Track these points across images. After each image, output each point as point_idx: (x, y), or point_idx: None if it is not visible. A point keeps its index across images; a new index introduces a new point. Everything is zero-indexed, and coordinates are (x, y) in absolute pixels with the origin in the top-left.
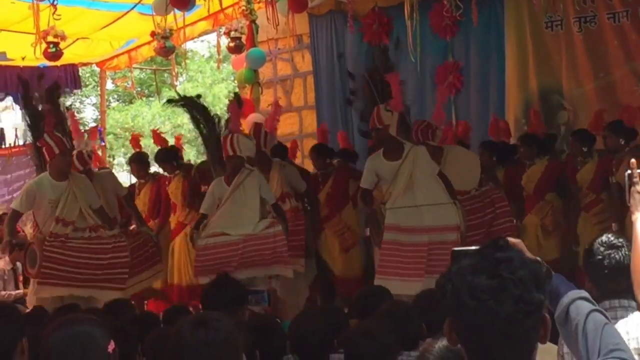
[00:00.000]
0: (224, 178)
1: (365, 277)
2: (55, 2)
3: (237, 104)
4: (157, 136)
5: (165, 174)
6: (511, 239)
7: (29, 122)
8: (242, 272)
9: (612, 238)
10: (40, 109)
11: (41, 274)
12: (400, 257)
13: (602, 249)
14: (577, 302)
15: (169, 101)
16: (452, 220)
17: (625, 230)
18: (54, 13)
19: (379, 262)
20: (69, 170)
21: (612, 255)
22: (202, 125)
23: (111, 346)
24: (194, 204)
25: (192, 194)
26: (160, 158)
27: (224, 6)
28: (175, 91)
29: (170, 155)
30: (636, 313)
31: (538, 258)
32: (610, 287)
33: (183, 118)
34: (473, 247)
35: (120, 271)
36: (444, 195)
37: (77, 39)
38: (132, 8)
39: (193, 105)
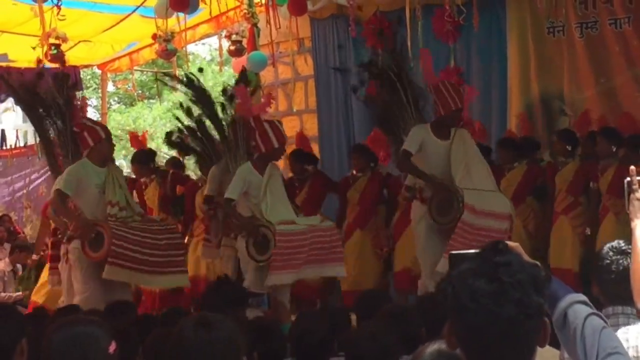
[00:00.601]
0: (253, 165)
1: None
2: (59, 3)
3: (244, 85)
4: (134, 138)
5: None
6: (509, 243)
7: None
8: (303, 271)
9: (622, 244)
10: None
11: (113, 252)
12: (469, 241)
13: (611, 253)
14: (575, 306)
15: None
16: (507, 208)
17: (596, 238)
18: (58, 13)
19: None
20: (112, 156)
21: (620, 261)
22: (204, 109)
23: (112, 347)
24: (169, 209)
25: (168, 199)
26: (136, 160)
27: (226, 9)
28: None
29: (147, 157)
30: (638, 322)
31: (537, 262)
32: (616, 292)
33: (184, 120)
34: (472, 251)
35: (176, 252)
36: (492, 182)
37: (79, 41)
38: (134, 11)
39: (194, 89)
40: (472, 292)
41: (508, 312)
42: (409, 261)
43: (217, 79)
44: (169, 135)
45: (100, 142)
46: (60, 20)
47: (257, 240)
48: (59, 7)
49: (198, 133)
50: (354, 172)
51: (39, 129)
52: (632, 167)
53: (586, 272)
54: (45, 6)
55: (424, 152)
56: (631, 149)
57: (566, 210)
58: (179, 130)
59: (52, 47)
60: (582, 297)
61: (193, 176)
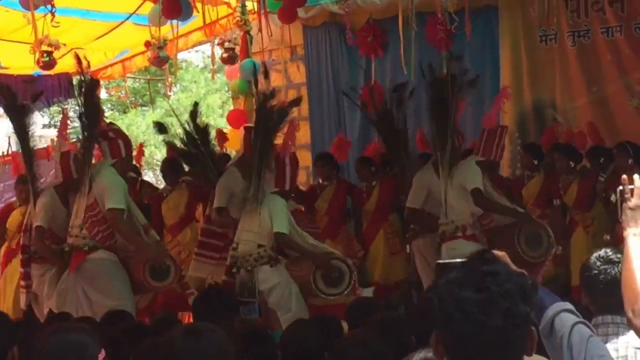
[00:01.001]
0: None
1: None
2: (53, 10)
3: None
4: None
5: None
6: (496, 252)
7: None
8: None
9: (609, 253)
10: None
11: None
12: None
13: (598, 263)
14: (562, 315)
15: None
16: None
17: (570, 252)
18: (52, 20)
19: None
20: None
21: (609, 270)
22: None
23: (102, 355)
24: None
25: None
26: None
27: (218, 17)
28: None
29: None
30: (627, 331)
31: (523, 271)
32: (605, 302)
33: (177, 128)
34: (458, 260)
35: None
36: None
37: (71, 49)
38: (127, 18)
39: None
40: (459, 302)
41: (496, 321)
42: (378, 275)
43: (210, 86)
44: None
45: (128, 156)
46: (55, 27)
47: (329, 275)
48: (53, 14)
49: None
50: (320, 180)
51: (22, 137)
52: (624, 176)
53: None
54: (38, 13)
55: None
56: (592, 160)
57: None
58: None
59: (44, 54)
60: (569, 306)
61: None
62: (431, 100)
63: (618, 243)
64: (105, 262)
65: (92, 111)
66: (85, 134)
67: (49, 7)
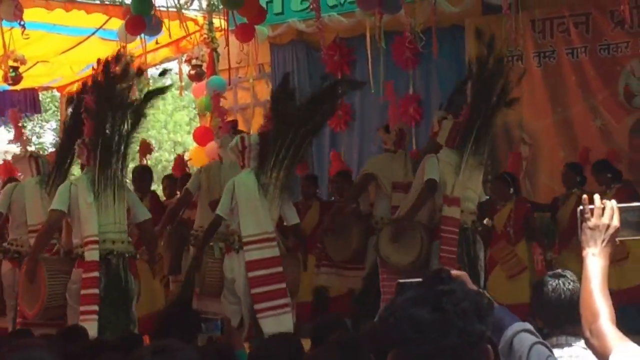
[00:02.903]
0: None
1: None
2: (22, 23)
3: None
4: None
5: None
6: (454, 272)
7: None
8: None
9: (559, 270)
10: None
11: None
12: None
13: (550, 279)
14: (521, 334)
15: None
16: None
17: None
18: (23, 33)
19: None
20: None
21: (560, 284)
22: None
23: None
24: None
25: None
26: None
27: (185, 33)
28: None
29: None
30: (578, 349)
31: (480, 289)
32: (561, 318)
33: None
34: (417, 280)
35: None
36: None
37: (37, 62)
38: (93, 33)
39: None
40: (414, 322)
41: (451, 341)
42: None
43: (178, 103)
44: None
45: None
46: (25, 39)
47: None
48: (23, 27)
49: None
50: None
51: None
52: (585, 196)
53: None
54: (4, 27)
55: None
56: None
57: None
58: None
59: (11, 69)
60: (528, 326)
61: None
62: None
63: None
64: None
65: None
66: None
67: (18, 22)
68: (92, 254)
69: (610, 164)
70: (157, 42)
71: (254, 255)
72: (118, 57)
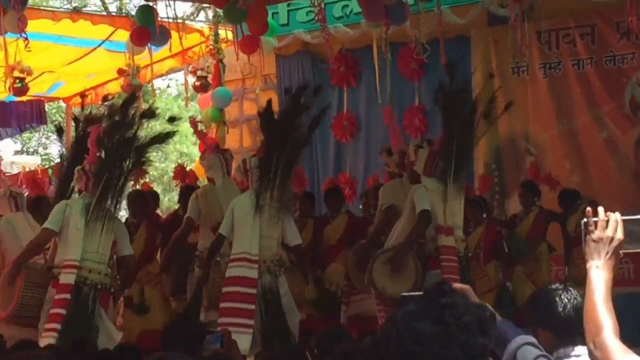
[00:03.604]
0: None
1: None
2: (25, 35)
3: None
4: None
5: None
6: (457, 285)
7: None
8: None
9: (558, 284)
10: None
11: None
12: None
13: (553, 291)
14: (524, 347)
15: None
16: None
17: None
18: (26, 46)
19: None
20: None
21: (563, 296)
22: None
23: None
24: None
25: None
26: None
27: (191, 44)
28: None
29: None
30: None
31: (484, 303)
32: (566, 329)
33: (150, 155)
34: (420, 293)
35: None
36: None
37: (43, 72)
38: (99, 45)
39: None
40: (416, 335)
41: (453, 354)
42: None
43: (184, 114)
44: None
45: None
46: (28, 51)
47: None
48: (26, 40)
49: None
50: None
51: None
52: (589, 209)
53: None
54: (9, 38)
55: None
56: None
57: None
58: None
59: (17, 80)
60: (532, 339)
61: None
62: None
63: None
64: None
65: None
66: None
67: (22, 34)
68: (68, 278)
69: (536, 186)
70: (170, 50)
71: (232, 272)
72: (133, 96)
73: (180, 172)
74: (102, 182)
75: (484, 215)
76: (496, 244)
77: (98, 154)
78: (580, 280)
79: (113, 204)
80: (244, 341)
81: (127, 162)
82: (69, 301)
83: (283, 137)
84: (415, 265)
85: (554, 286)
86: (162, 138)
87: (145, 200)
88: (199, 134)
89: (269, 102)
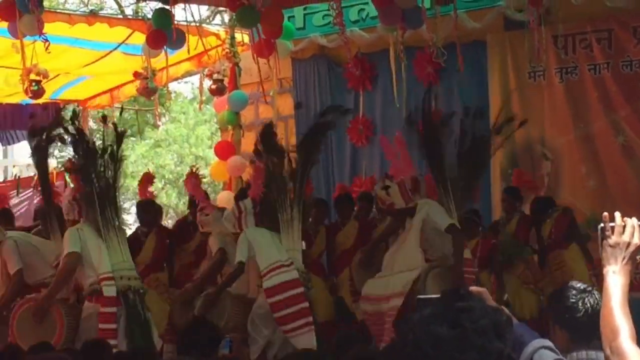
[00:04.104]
0: None
1: None
2: (45, 37)
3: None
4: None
5: None
6: (475, 288)
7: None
8: None
9: (580, 284)
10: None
11: None
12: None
13: (574, 292)
14: (541, 351)
15: None
16: (399, 287)
17: None
18: (47, 48)
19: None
20: None
21: (585, 299)
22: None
23: None
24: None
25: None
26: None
27: (207, 48)
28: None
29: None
30: None
31: (500, 306)
32: (584, 332)
33: (166, 159)
34: (436, 296)
35: None
36: (413, 258)
37: (58, 74)
38: (116, 48)
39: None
40: (433, 339)
41: (469, 358)
42: None
43: (199, 117)
44: None
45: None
46: (47, 53)
47: None
48: (47, 42)
49: None
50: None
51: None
52: (605, 214)
53: None
54: (26, 41)
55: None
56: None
57: None
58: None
59: (33, 83)
60: (548, 343)
61: None
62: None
63: None
64: None
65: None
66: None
67: (40, 36)
68: (109, 290)
69: (520, 193)
70: (188, 52)
71: (272, 282)
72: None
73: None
74: (96, 199)
75: (480, 229)
76: (492, 256)
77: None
78: (556, 286)
79: (113, 214)
80: (308, 339)
81: (108, 172)
82: (116, 314)
83: (308, 154)
84: None
85: (581, 286)
86: (121, 135)
87: (155, 209)
88: (196, 191)
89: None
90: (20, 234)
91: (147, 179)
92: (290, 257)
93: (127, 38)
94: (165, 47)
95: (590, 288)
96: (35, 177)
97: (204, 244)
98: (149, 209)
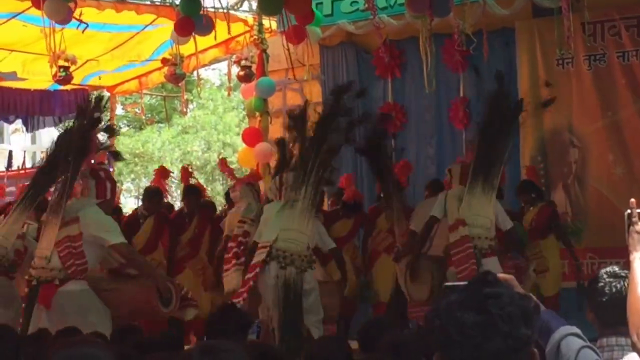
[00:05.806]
0: None
1: None
2: (85, 24)
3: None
4: (185, 172)
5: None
6: (501, 275)
7: None
8: None
9: (616, 269)
10: None
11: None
12: None
13: (605, 276)
14: (569, 338)
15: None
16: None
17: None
18: (83, 32)
19: None
20: None
21: (614, 283)
22: None
23: None
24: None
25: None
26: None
27: (235, 34)
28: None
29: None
30: (632, 354)
31: (528, 293)
32: (610, 318)
33: (193, 145)
34: (463, 283)
35: None
36: None
37: (86, 61)
38: (144, 29)
39: None
40: (460, 325)
41: (496, 345)
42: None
43: (227, 104)
44: None
45: (112, 199)
46: (82, 34)
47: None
48: (85, 25)
49: None
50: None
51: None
52: (632, 200)
53: None
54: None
55: None
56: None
57: (387, 249)
58: None
59: (61, 69)
60: (576, 330)
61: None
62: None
63: None
64: (79, 294)
65: (85, 146)
66: (72, 167)
67: (79, 22)
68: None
69: (534, 184)
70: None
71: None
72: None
73: (185, 174)
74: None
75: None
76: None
77: None
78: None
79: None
80: None
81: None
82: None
83: (321, 138)
84: (430, 270)
85: (614, 271)
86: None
87: (160, 197)
88: (227, 171)
89: (305, 105)
90: None
91: (162, 174)
92: (291, 238)
93: (153, 21)
94: (193, 33)
95: (624, 274)
96: None
97: (199, 236)
98: (152, 196)
